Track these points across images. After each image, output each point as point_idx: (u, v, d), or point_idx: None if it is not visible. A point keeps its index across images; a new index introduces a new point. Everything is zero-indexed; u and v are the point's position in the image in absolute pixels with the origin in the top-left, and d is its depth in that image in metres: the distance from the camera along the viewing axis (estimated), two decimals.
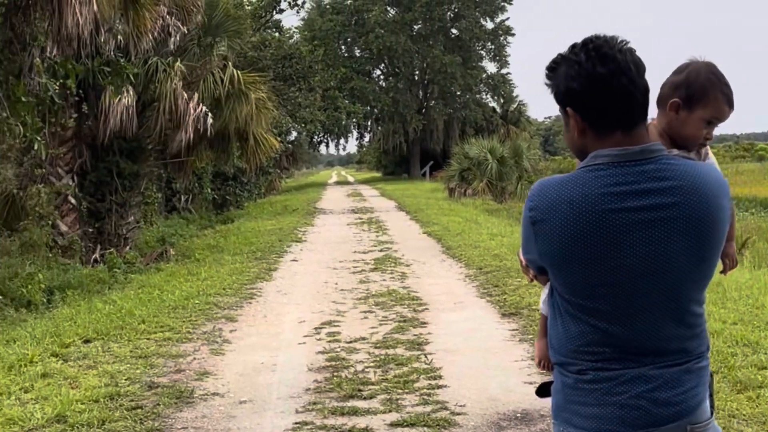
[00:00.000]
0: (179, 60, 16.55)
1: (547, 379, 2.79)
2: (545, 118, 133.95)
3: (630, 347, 2.38)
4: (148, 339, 9.29)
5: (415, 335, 9.28)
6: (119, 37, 13.58)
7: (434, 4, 70.92)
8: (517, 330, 9.36)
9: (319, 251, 18.31)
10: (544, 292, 2.82)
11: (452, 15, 74.54)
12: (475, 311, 10.71)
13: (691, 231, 2.35)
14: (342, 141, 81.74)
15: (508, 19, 78.26)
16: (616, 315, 2.37)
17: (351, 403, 6.78)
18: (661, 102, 3.42)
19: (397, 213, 30.72)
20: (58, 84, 12.92)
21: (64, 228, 15.27)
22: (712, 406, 2.62)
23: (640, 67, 2.41)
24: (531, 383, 7.09)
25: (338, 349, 8.69)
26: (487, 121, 72.65)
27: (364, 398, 6.91)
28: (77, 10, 11.18)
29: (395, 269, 14.85)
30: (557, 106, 2.53)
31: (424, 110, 75.14)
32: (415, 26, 74.17)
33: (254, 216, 30.17)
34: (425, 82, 76.68)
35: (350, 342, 9.03)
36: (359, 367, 7.92)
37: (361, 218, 28.50)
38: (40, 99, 12.58)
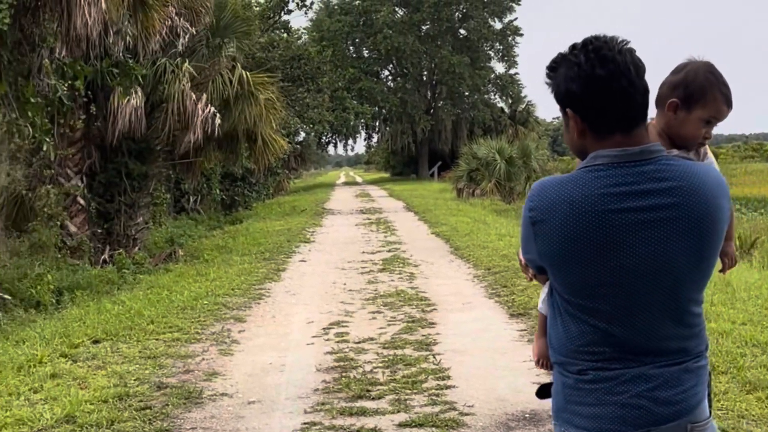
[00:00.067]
0: (187, 61, 16.58)
1: (546, 380, 2.80)
2: (553, 118, 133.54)
3: (630, 347, 2.39)
4: (157, 339, 9.31)
5: (423, 336, 9.28)
6: (128, 38, 13.60)
7: (442, 4, 70.86)
8: (525, 330, 9.35)
9: (327, 252, 18.31)
10: (543, 291, 2.83)
11: (460, 15, 74.53)
12: (483, 312, 10.70)
13: (691, 231, 2.35)
14: (350, 141, 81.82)
15: (516, 19, 77.99)
16: (616, 315, 2.37)
17: (359, 403, 6.78)
18: (659, 102, 3.41)
19: (406, 213, 30.72)
20: (66, 85, 12.96)
21: (73, 229, 15.30)
22: (710, 406, 2.63)
23: (639, 69, 2.41)
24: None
25: (347, 350, 8.69)
26: (496, 121, 72.58)
27: (373, 399, 6.91)
28: (86, 12, 11.22)
29: (403, 270, 14.84)
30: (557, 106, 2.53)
31: (432, 111, 75.14)
32: (423, 27, 74.16)
33: (263, 217, 30.21)
34: (433, 82, 76.66)
35: (359, 342, 9.04)
36: (368, 368, 7.92)
37: (369, 219, 28.50)
38: (49, 100, 12.61)
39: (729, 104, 3.39)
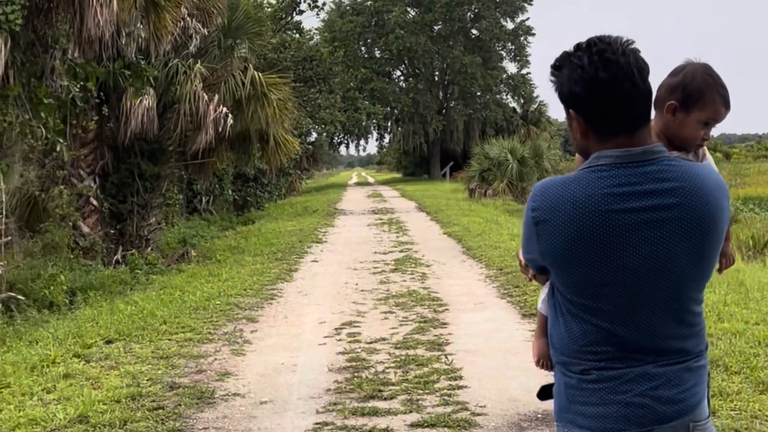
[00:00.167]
0: (199, 62, 16.61)
1: (547, 381, 2.80)
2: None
3: (633, 346, 2.40)
4: (169, 340, 9.32)
5: (435, 336, 9.27)
6: (140, 39, 13.64)
7: (454, 4, 70.76)
8: None
9: (339, 252, 18.32)
10: (543, 292, 2.83)
11: (472, 15, 74.40)
12: (495, 312, 10.69)
13: (693, 231, 2.37)
14: (362, 142, 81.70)
15: (528, 19, 77.93)
16: (619, 314, 2.38)
17: (371, 403, 6.78)
18: (657, 104, 3.41)
19: (417, 214, 30.70)
20: (79, 86, 13.01)
21: (86, 229, 15.35)
22: (708, 406, 2.64)
23: (643, 71, 2.41)
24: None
25: (359, 350, 8.69)
26: (508, 121, 72.47)
27: (385, 399, 6.91)
28: (98, 13, 11.25)
29: (415, 270, 14.83)
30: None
31: (444, 111, 75.06)
32: (435, 27, 74.06)
33: (275, 217, 30.23)
34: (445, 82, 76.58)
35: (371, 342, 9.03)
36: (380, 368, 7.92)
37: (381, 219, 28.49)
38: (62, 101, 12.66)
39: (727, 106, 3.40)
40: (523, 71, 76.94)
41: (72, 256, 14.17)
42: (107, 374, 7.85)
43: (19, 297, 11.23)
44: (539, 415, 6.36)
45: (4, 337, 9.69)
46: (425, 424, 6.21)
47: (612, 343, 2.39)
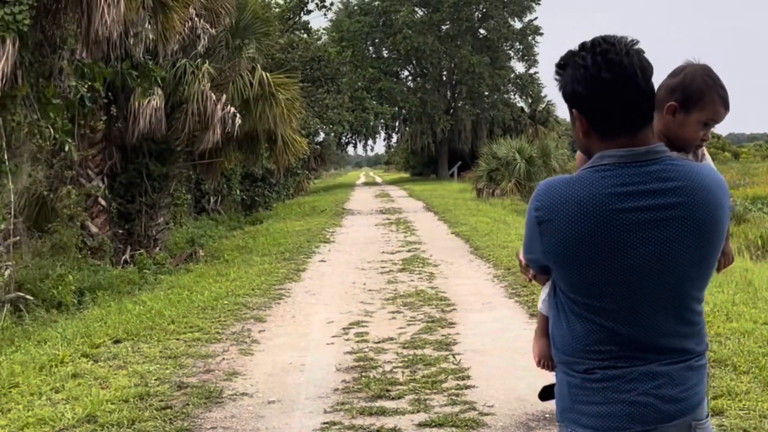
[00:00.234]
0: (207, 62, 16.63)
1: (548, 382, 2.80)
2: None
3: (636, 345, 2.40)
4: (177, 339, 9.34)
5: (443, 335, 9.27)
6: (148, 39, 13.65)
7: (462, 4, 70.75)
8: None
9: (347, 252, 18.33)
10: (544, 292, 2.82)
11: (480, 15, 74.40)
12: (503, 312, 10.68)
13: (695, 230, 2.38)
14: (370, 142, 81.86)
15: (536, 18, 77.83)
16: (622, 313, 2.39)
17: (379, 403, 6.78)
18: (657, 105, 3.41)
19: (425, 213, 30.70)
20: (86, 86, 13.03)
21: (94, 229, 15.38)
22: (707, 406, 2.66)
23: (646, 72, 2.41)
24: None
25: (366, 350, 8.69)
26: (515, 121, 72.41)
27: (392, 398, 6.91)
28: (105, 13, 11.27)
29: (423, 270, 14.83)
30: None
31: (452, 111, 75.03)
32: (443, 27, 74.06)
33: (283, 217, 30.26)
34: (453, 82, 76.55)
35: (378, 342, 9.03)
36: (387, 368, 7.91)
37: (389, 219, 28.50)
38: (70, 101, 12.68)
39: (726, 106, 3.41)
40: (531, 71, 76.95)
41: (80, 256, 14.20)
42: (115, 374, 7.86)
43: (28, 297, 11.25)
44: (547, 415, 6.34)
45: (12, 336, 9.71)
46: (433, 424, 6.21)
47: (615, 342, 2.40)
